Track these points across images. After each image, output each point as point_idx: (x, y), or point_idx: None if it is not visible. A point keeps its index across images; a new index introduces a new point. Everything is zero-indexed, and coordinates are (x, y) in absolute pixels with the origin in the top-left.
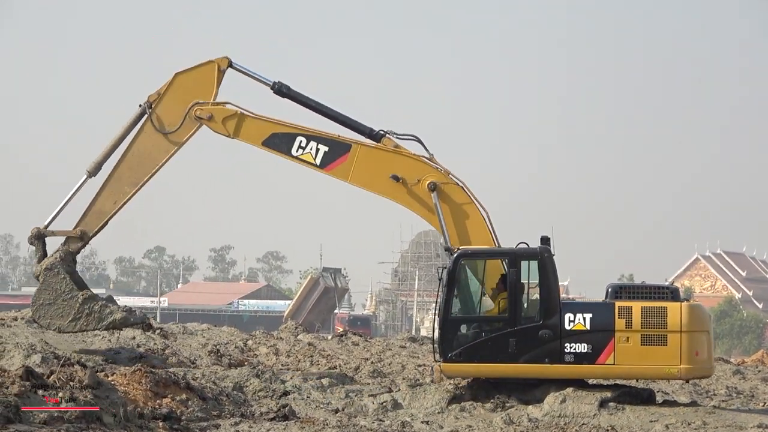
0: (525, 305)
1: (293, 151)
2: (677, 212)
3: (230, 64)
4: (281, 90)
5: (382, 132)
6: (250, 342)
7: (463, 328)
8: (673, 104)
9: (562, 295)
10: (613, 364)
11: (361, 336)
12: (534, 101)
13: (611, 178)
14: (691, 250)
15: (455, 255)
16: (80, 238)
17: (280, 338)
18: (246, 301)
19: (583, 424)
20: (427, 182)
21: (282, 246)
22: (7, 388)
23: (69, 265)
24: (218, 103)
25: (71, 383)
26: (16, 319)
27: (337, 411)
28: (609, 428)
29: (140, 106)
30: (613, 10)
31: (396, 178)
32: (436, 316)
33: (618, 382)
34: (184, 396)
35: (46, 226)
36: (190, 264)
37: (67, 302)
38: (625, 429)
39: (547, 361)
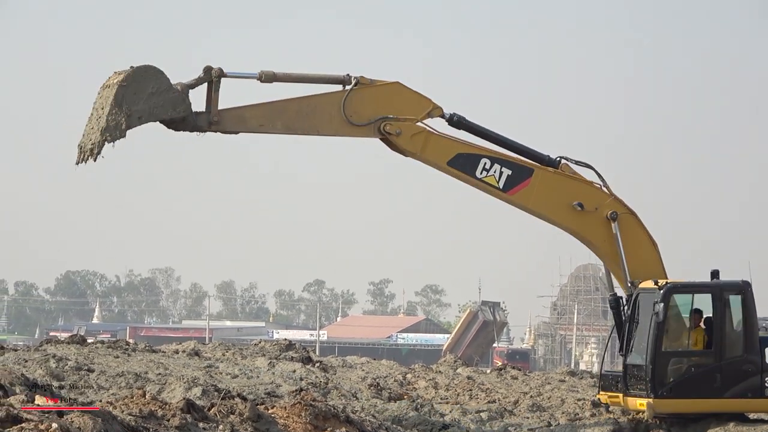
0: (730, 340)
1: (477, 173)
2: None
3: (442, 115)
4: (459, 122)
5: (559, 158)
6: (409, 375)
7: (673, 364)
8: None
9: None
10: None
11: (519, 370)
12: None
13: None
14: None
15: (665, 289)
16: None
17: (439, 371)
18: (405, 335)
19: None
20: (608, 211)
21: (440, 279)
22: (168, 420)
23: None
24: (406, 119)
25: (231, 416)
26: (177, 351)
27: None
28: None
29: (348, 75)
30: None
31: (579, 206)
32: (618, 351)
33: None
34: (344, 429)
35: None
36: (350, 297)
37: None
38: None
39: (750, 396)
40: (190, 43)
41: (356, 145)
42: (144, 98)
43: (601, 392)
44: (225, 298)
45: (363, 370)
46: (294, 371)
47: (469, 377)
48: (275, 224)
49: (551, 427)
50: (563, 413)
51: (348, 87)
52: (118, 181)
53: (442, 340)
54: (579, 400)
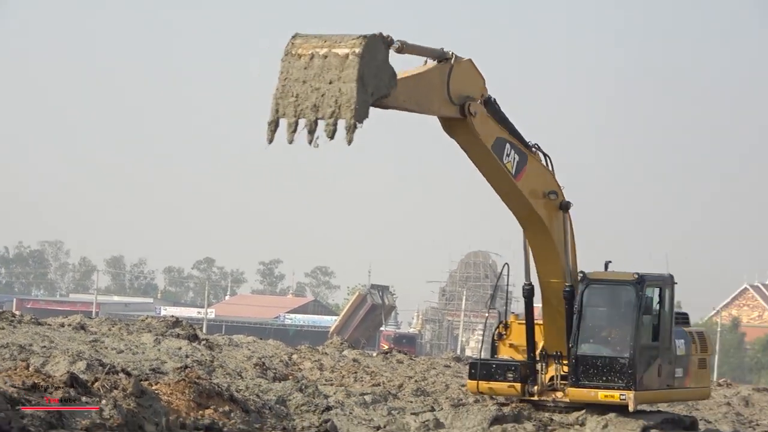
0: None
1: (503, 158)
2: (727, 241)
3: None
4: (494, 104)
5: (535, 144)
6: (295, 356)
7: (643, 355)
8: (719, 131)
9: None
10: (690, 388)
11: (405, 354)
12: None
13: (662, 206)
14: (740, 279)
15: (641, 281)
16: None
17: (325, 353)
18: (293, 316)
19: None
20: (562, 200)
21: (331, 261)
22: (50, 393)
23: None
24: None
25: (115, 391)
26: (63, 325)
27: (378, 428)
28: None
29: (450, 53)
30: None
31: (554, 194)
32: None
33: (661, 408)
34: (227, 408)
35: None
36: (239, 276)
37: None
38: None
39: (668, 386)
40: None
41: (253, 122)
42: (374, 72)
43: (480, 381)
44: (114, 273)
45: (249, 349)
46: (180, 348)
47: (354, 360)
48: (165, 201)
49: (434, 412)
50: (447, 398)
51: (450, 62)
52: (8, 152)
53: (330, 322)
54: (463, 386)
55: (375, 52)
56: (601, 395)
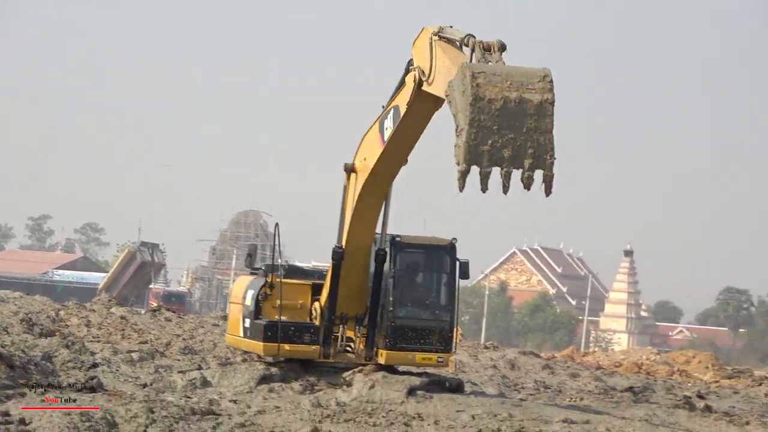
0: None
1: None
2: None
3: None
4: None
5: None
6: (62, 312)
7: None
8: None
9: None
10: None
11: (174, 312)
12: None
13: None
14: (508, 243)
15: (452, 247)
16: None
17: (93, 310)
18: (61, 272)
19: (390, 410)
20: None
21: (101, 218)
22: None
23: None
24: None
25: None
26: None
27: (145, 386)
28: (416, 416)
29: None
30: None
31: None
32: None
33: (428, 371)
34: None
35: None
36: (7, 231)
37: None
38: (431, 418)
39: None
40: None
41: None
42: None
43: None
44: None
45: (16, 305)
46: None
47: (122, 317)
48: None
49: (201, 370)
50: (215, 357)
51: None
52: None
53: (99, 278)
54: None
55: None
56: (419, 358)
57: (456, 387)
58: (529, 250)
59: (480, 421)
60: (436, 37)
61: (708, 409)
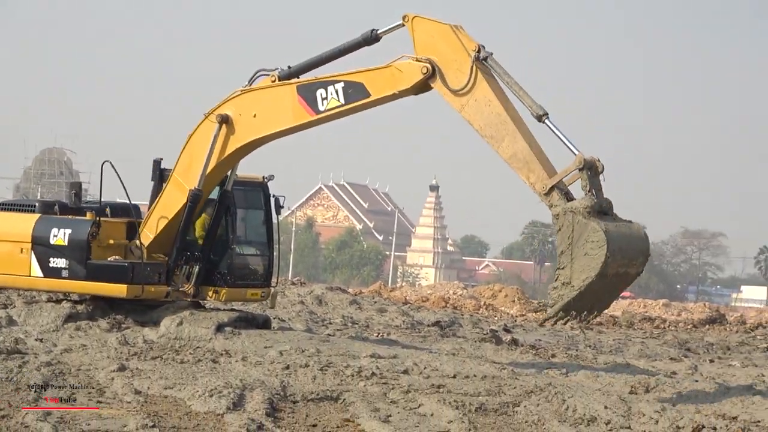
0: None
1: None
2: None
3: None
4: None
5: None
6: None
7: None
8: None
9: None
10: None
11: None
12: None
13: None
14: (315, 179)
15: (266, 184)
16: None
17: None
18: None
19: (198, 347)
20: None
21: None
22: None
23: None
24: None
25: None
26: None
27: None
28: (224, 352)
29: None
30: None
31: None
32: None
33: (235, 307)
34: None
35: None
36: None
37: None
38: (239, 353)
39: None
40: None
41: None
42: None
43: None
44: None
45: None
46: None
47: None
48: None
49: (6, 309)
50: (20, 296)
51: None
52: None
53: None
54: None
55: None
56: (249, 293)
57: (264, 323)
58: (335, 186)
59: (288, 357)
60: (478, 62)
61: (514, 342)
